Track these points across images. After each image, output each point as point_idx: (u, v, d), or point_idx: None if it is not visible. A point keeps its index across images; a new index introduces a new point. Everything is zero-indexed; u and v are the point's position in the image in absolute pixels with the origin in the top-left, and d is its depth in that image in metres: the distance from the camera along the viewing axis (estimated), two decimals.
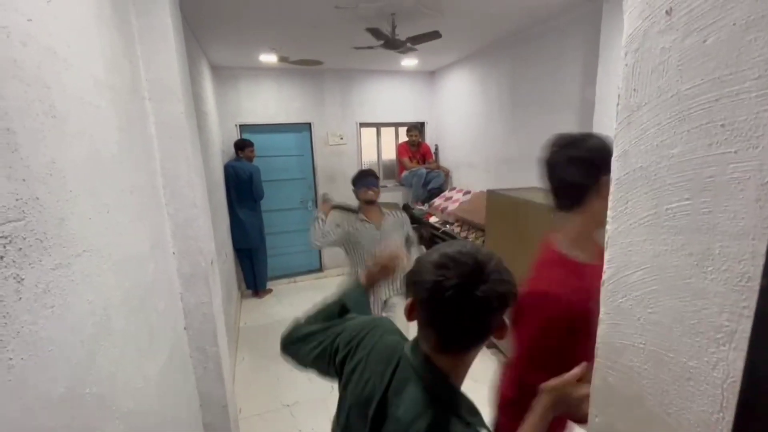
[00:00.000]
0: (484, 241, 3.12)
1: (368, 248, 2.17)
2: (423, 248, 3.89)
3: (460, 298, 0.62)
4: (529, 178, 3.16)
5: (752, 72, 0.37)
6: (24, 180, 0.61)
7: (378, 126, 4.85)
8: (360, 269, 2.16)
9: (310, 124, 4.45)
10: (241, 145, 3.89)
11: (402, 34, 2.66)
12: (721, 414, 0.43)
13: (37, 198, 0.64)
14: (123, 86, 1.13)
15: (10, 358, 0.54)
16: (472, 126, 4.11)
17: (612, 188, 0.54)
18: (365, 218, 2.22)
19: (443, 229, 3.89)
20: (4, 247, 0.55)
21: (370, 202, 2.22)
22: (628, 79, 0.49)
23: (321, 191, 4.61)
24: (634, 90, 0.49)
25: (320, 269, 4.83)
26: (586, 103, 2.60)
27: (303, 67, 4.11)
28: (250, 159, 3.91)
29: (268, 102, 4.25)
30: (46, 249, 0.65)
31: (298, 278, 4.69)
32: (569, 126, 2.75)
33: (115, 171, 1.01)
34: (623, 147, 0.51)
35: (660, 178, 0.47)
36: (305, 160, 4.57)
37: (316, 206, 4.64)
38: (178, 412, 1.41)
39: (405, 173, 4.59)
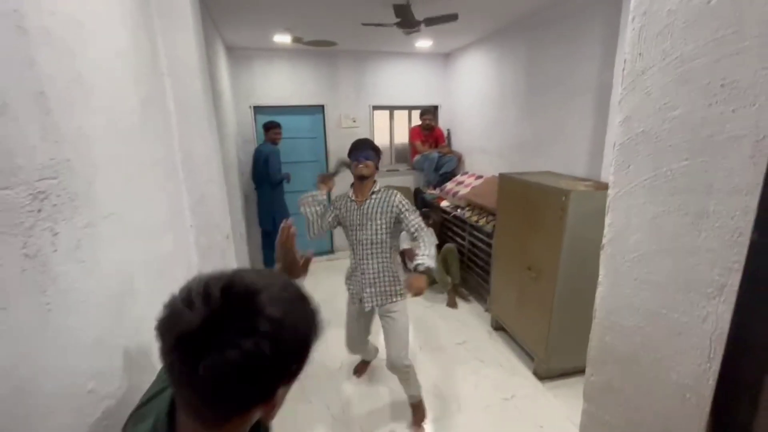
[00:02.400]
0: (494, 225, 3.12)
1: (351, 230, 1.96)
2: (433, 233, 3.92)
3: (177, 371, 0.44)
4: (542, 163, 3.13)
5: (753, 30, 0.38)
6: (56, 142, 0.65)
7: (391, 109, 4.83)
8: (355, 253, 1.98)
9: (323, 106, 4.46)
10: (267, 127, 3.91)
11: (418, 14, 2.63)
12: (708, 364, 0.45)
13: (68, 160, 0.68)
14: (143, 61, 1.17)
15: (48, 303, 0.59)
16: (486, 110, 4.06)
17: (614, 153, 0.55)
18: (352, 196, 1.97)
19: (454, 213, 3.90)
20: (41, 201, 0.59)
21: (362, 177, 1.91)
22: (634, 44, 0.50)
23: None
24: (640, 54, 0.49)
25: (332, 251, 4.91)
26: (604, 86, 2.55)
27: (317, 48, 4.09)
28: (273, 141, 3.93)
29: (281, 83, 4.26)
30: (76, 208, 0.70)
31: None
32: (586, 110, 2.71)
33: (137, 143, 1.05)
34: (626, 113, 0.52)
35: (661, 140, 0.48)
36: (318, 143, 4.59)
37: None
38: None
39: (417, 157, 4.58)
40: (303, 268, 0.98)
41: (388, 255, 1.95)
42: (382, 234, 1.93)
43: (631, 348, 0.55)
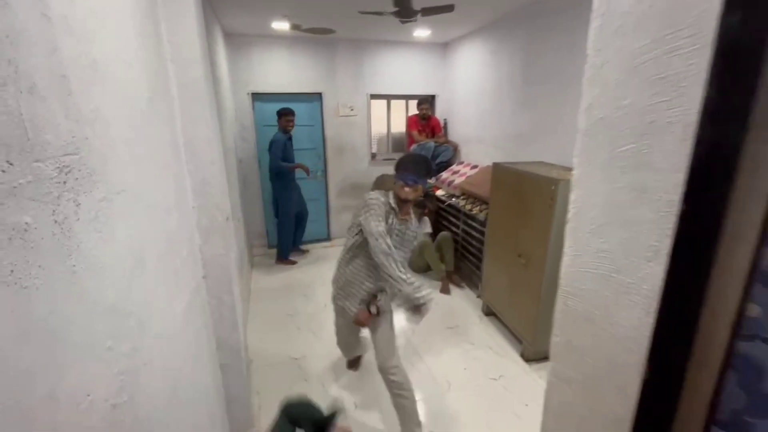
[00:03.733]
0: (487, 214, 3.21)
1: (398, 249, 1.76)
2: (428, 222, 4.00)
3: None
4: (537, 153, 3.20)
5: (684, 32, 0.44)
6: (77, 121, 0.71)
7: (388, 98, 4.86)
8: (363, 266, 1.83)
9: (320, 94, 4.48)
10: (278, 114, 3.90)
11: (416, 3, 2.67)
12: (647, 318, 0.53)
13: (87, 138, 0.75)
14: (149, 47, 1.22)
15: (74, 265, 0.66)
16: (483, 100, 4.11)
17: (578, 139, 0.62)
18: (396, 208, 1.74)
19: (449, 202, 3.98)
20: (66, 174, 0.66)
21: (405, 201, 1.71)
22: (595, 40, 0.57)
23: (330, 162, 4.70)
24: (599, 50, 0.56)
25: (328, 238, 4.99)
26: None
27: (315, 35, 4.11)
28: (284, 129, 3.92)
29: (280, 71, 4.28)
30: (95, 183, 0.76)
31: (307, 246, 4.85)
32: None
33: (145, 126, 1.11)
34: (588, 101, 0.59)
35: (615, 126, 0.55)
36: (315, 131, 4.64)
37: (326, 175, 4.73)
38: (200, 350, 1.57)
39: (413, 146, 4.64)
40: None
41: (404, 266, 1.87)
42: (410, 252, 1.90)
43: (588, 309, 0.63)
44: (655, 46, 0.48)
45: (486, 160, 3.96)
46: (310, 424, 1.03)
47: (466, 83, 4.41)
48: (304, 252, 4.60)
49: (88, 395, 0.67)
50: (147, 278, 1.01)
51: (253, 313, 3.40)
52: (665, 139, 0.48)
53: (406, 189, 1.66)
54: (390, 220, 1.73)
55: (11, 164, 0.52)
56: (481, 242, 3.37)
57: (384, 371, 1.86)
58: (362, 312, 1.87)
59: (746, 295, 0.50)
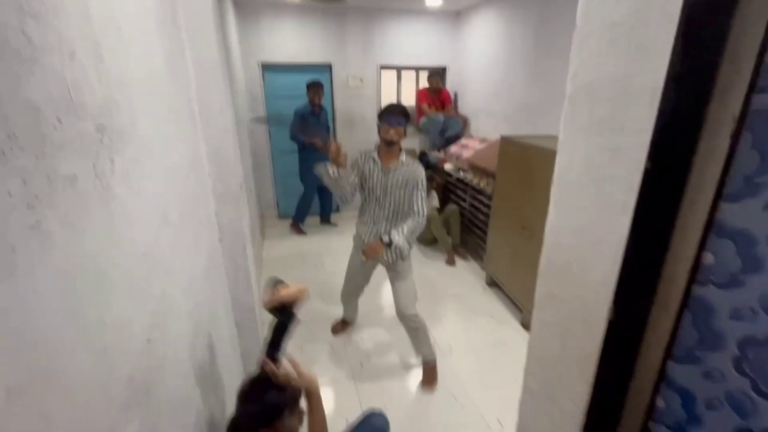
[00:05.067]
0: (494, 188, 3.25)
1: (371, 192, 1.98)
2: (436, 196, 4.05)
3: None
4: (547, 127, 3.19)
5: (656, 8, 0.49)
6: (108, 85, 0.78)
7: (399, 69, 4.81)
8: (369, 211, 2.04)
9: (330, 65, 4.46)
10: (307, 86, 3.90)
11: None
12: (614, 265, 0.60)
13: (117, 101, 0.82)
14: (166, 16, 1.27)
15: (111, 215, 0.75)
16: (494, 72, 4.05)
17: (565, 104, 0.67)
18: (377, 157, 1.97)
19: (457, 176, 4.01)
20: (102, 133, 0.74)
21: (390, 143, 1.89)
22: (582, 11, 0.61)
23: (340, 135, 4.73)
24: (586, 20, 0.60)
25: (336, 210, 5.08)
26: None
27: (325, 3, 4.05)
28: (311, 101, 3.94)
29: (289, 40, 4.26)
30: (124, 143, 0.84)
31: (313, 218, 4.94)
32: None
33: (164, 93, 1.18)
34: (574, 69, 0.64)
35: (596, 91, 0.60)
36: (325, 102, 4.63)
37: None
38: (217, 307, 1.70)
39: (423, 119, 4.63)
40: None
41: (404, 219, 1.98)
42: (403, 202, 1.97)
43: (567, 260, 0.70)
44: (631, 17, 0.53)
45: (495, 134, 3.95)
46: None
47: (478, 55, 4.33)
48: (333, 225, 4.67)
49: (129, 325, 0.78)
50: (171, 234, 1.11)
51: (262, 279, 3.56)
52: (636, 103, 0.53)
53: (391, 131, 1.87)
54: (367, 169, 1.99)
55: (60, 122, 0.60)
56: (488, 216, 3.43)
57: (403, 318, 2.11)
58: (376, 242, 1.95)
59: (703, 245, 0.57)
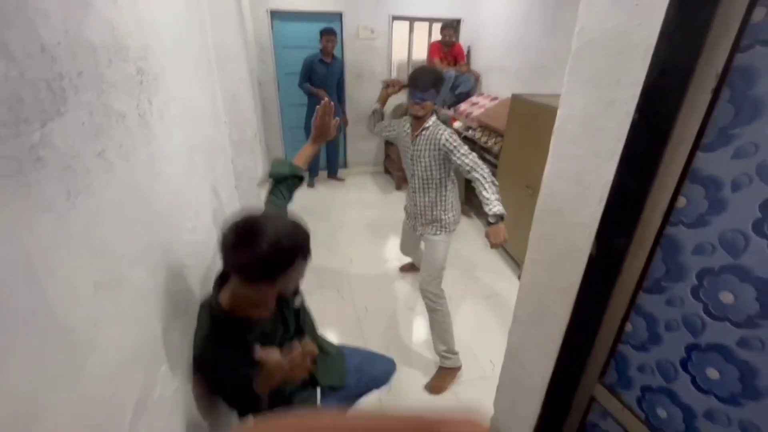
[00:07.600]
0: (501, 147, 3.27)
1: (405, 159, 1.95)
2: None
3: None
4: (559, 86, 3.14)
5: None
6: (143, 30, 0.84)
7: (411, 20, 4.63)
8: (410, 183, 1.99)
9: (341, 14, 4.31)
10: (320, 33, 3.81)
11: None
12: (598, 207, 0.69)
13: (150, 46, 0.88)
14: None
15: (152, 153, 0.84)
16: (510, 26, 3.91)
17: (570, 58, 0.72)
18: (407, 128, 1.88)
19: (465, 134, 4.00)
20: (141, 76, 0.81)
21: (416, 117, 1.78)
22: None
23: (348, 88, 4.66)
24: None
25: (344, 165, 5.12)
26: None
27: None
28: (323, 49, 3.87)
29: None
30: (158, 86, 0.91)
31: (321, 171, 4.98)
32: None
33: (185, 38, 1.22)
34: (581, 24, 0.69)
35: (598, 47, 0.65)
36: (337, 52, 4.53)
37: (343, 102, 4.72)
38: None
39: None
40: (334, 129, 1.36)
41: (436, 191, 1.91)
42: (430, 171, 1.86)
43: (560, 205, 0.78)
44: None
45: (507, 92, 3.88)
46: (287, 178, 1.28)
47: (494, 6, 4.15)
48: (340, 180, 4.74)
49: (170, 251, 0.90)
50: (197, 177, 1.20)
51: None
52: (631, 58, 0.58)
53: (415, 106, 1.73)
54: (401, 137, 1.93)
55: (111, 63, 0.67)
56: (493, 175, 3.47)
57: (421, 291, 2.02)
58: (491, 229, 1.74)
59: (678, 190, 0.65)
